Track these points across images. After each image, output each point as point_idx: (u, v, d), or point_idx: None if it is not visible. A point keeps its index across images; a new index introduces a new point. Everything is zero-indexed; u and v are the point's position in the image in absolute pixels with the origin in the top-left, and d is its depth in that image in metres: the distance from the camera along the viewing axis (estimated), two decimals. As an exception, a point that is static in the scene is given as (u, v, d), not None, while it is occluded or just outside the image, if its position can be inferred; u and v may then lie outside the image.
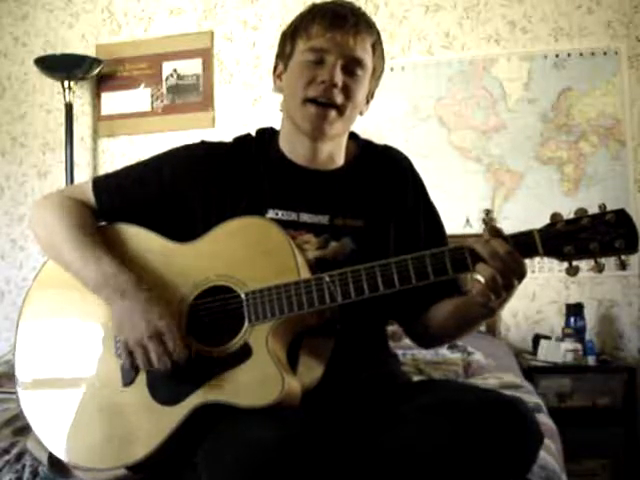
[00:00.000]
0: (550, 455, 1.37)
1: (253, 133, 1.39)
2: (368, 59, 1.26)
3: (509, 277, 1.04)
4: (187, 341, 1.14)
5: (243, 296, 1.13)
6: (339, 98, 1.23)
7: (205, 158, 1.31)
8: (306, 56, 1.24)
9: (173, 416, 1.11)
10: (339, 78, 1.22)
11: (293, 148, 1.31)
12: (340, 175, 1.32)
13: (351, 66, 1.23)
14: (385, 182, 1.33)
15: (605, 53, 3.06)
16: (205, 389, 1.11)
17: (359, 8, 1.28)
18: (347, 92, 1.24)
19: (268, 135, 1.36)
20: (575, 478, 1.98)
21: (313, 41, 1.23)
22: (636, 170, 3.02)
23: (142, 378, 1.15)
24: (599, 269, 1.03)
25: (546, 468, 1.27)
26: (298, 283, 1.11)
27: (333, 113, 1.24)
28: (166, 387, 1.13)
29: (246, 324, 1.13)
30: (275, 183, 1.29)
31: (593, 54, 3.07)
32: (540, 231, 1.04)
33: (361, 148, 1.37)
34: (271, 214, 1.26)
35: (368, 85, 1.29)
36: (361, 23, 1.24)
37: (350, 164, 1.34)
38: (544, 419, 1.66)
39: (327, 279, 1.10)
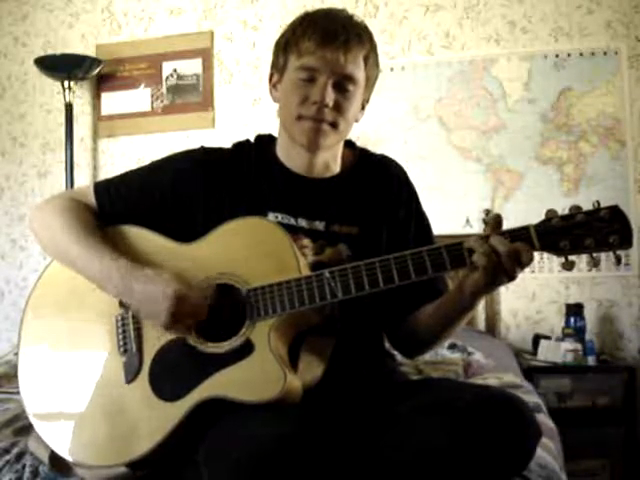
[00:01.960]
0: (550, 455, 1.37)
1: (252, 137, 1.41)
2: (360, 73, 1.27)
3: (501, 275, 1.07)
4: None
5: (245, 293, 1.15)
6: (331, 116, 1.25)
7: (205, 163, 1.33)
8: (298, 74, 1.26)
9: (175, 412, 1.12)
10: (330, 98, 1.24)
11: (290, 157, 1.34)
12: (336, 183, 1.35)
13: (342, 83, 1.25)
14: (380, 190, 1.35)
15: (605, 53, 3.06)
16: (207, 385, 1.12)
17: (351, 18, 1.28)
18: (339, 109, 1.26)
19: (266, 142, 1.39)
20: (575, 478, 1.98)
21: (304, 59, 1.24)
22: (636, 170, 3.02)
23: (144, 375, 1.17)
24: (594, 264, 1.06)
25: (546, 468, 1.28)
26: (299, 280, 1.13)
27: (327, 127, 1.26)
28: (168, 383, 1.15)
29: (248, 321, 1.14)
30: (274, 188, 1.32)
31: (593, 54, 3.07)
32: (536, 226, 1.07)
33: (357, 157, 1.39)
34: (271, 216, 1.28)
35: (362, 95, 1.31)
36: (352, 38, 1.24)
37: (346, 172, 1.37)
38: (544, 419, 1.66)
39: (327, 275, 1.12)
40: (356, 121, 1.34)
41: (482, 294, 1.15)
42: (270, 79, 1.36)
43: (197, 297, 1.15)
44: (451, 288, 1.25)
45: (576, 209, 1.05)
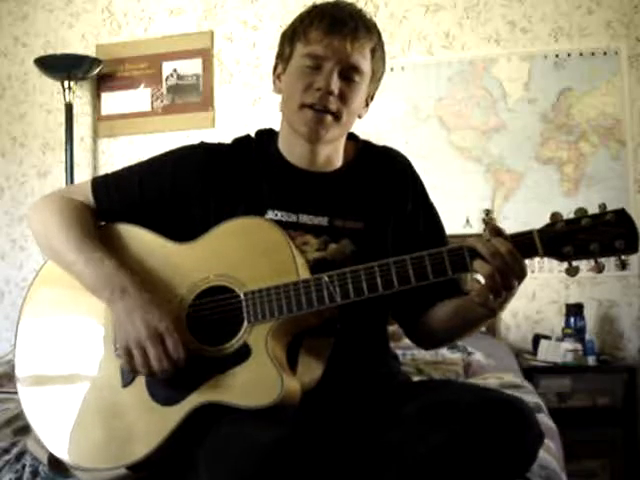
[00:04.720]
0: (550, 455, 1.37)
1: (252, 134, 1.39)
2: (366, 65, 1.25)
3: (509, 277, 1.04)
4: (187, 342, 1.13)
5: (242, 296, 1.13)
6: (335, 105, 1.23)
7: (204, 159, 1.31)
8: (304, 61, 1.24)
9: (172, 416, 1.11)
10: (335, 86, 1.22)
11: (292, 150, 1.31)
12: (339, 177, 1.32)
13: (348, 72, 1.23)
14: (384, 183, 1.33)
15: (605, 53, 3.06)
16: (204, 389, 1.11)
17: (359, 10, 1.27)
18: (343, 98, 1.24)
19: (267, 137, 1.37)
20: (575, 478, 1.98)
21: (311, 46, 1.23)
22: (636, 170, 3.02)
23: (141, 379, 1.15)
24: (599, 269, 1.03)
25: (546, 468, 1.27)
26: (297, 283, 1.11)
27: (329, 118, 1.24)
28: (165, 387, 1.13)
29: (245, 324, 1.13)
30: (274, 184, 1.30)
31: (593, 54, 3.07)
32: (540, 231, 1.04)
33: (360, 149, 1.37)
34: (270, 215, 1.26)
35: (367, 89, 1.29)
36: (360, 28, 1.23)
37: (349, 165, 1.34)
38: (544, 419, 1.66)
39: (326, 279, 1.10)
40: (359, 117, 1.32)
41: (492, 306, 1.11)
42: (274, 70, 1.34)
43: (173, 351, 1.10)
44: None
45: (581, 212, 1.03)
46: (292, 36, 1.27)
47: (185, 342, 1.13)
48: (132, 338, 1.11)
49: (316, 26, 1.22)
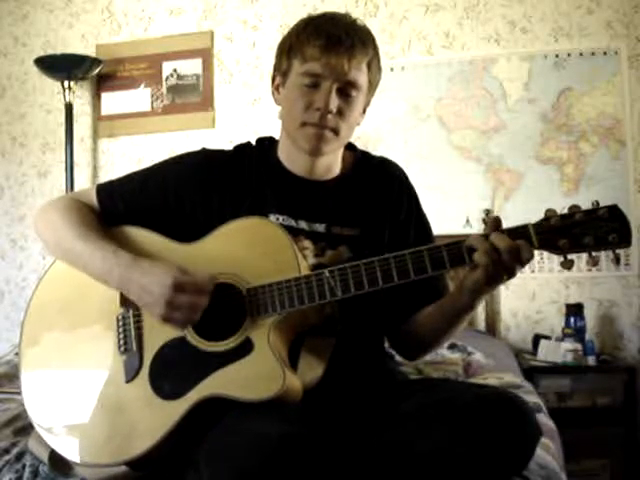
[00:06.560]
0: (550, 455, 1.37)
1: (252, 138, 1.41)
2: (363, 79, 1.27)
3: (500, 272, 1.08)
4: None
5: (245, 292, 1.16)
6: (333, 122, 1.26)
7: (206, 165, 1.34)
8: (302, 80, 1.25)
9: (175, 410, 1.12)
10: (334, 104, 1.24)
11: (291, 160, 1.34)
12: (337, 185, 1.35)
13: (346, 89, 1.25)
14: (380, 192, 1.36)
15: (605, 53, 3.06)
16: (207, 383, 1.12)
17: (354, 22, 1.28)
18: (342, 114, 1.26)
19: (267, 144, 1.40)
20: (575, 478, 1.98)
21: (308, 64, 1.24)
22: (636, 170, 3.02)
23: (144, 374, 1.17)
24: (594, 262, 1.07)
25: (546, 468, 1.28)
26: (298, 279, 1.14)
27: (329, 134, 1.27)
28: (168, 382, 1.15)
29: (248, 319, 1.15)
30: (275, 190, 1.32)
31: (593, 54, 3.07)
32: (535, 225, 1.07)
33: (358, 159, 1.40)
34: (272, 218, 1.28)
35: (364, 100, 1.32)
36: (356, 44, 1.24)
37: (347, 174, 1.37)
38: (544, 419, 1.66)
39: (327, 274, 1.12)
40: (357, 124, 1.34)
41: (483, 293, 1.15)
42: (273, 81, 1.36)
43: (196, 288, 1.13)
44: (452, 289, 1.26)
45: (575, 208, 1.06)
46: (289, 51, 1.28)
47: (189, 337, 1.16)
48: (158, 306, 1.13)
49: (312, 44, 1.23)
